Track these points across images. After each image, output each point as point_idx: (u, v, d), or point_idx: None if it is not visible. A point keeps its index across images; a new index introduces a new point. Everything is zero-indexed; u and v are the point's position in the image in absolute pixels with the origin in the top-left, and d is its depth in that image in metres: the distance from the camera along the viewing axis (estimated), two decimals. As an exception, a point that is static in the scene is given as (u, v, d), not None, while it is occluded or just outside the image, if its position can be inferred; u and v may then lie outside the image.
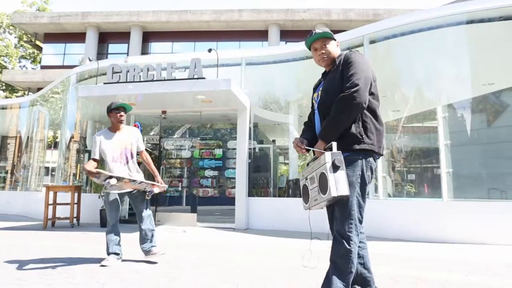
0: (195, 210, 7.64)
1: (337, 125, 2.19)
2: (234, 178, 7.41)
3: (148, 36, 22.04)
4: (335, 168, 2.04)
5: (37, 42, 24.34)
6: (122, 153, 3.91)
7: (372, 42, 6.78)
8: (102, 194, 6.41)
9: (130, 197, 3.97)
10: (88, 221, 7.65)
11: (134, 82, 6.70)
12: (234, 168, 7.44)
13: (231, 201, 7.34)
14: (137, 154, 4.10)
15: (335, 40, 2.43)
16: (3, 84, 26.40)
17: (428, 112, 7.44)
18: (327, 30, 2.41)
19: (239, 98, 6.87)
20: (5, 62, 27.73)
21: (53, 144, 11.33)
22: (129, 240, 4.89)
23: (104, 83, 6.89)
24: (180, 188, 8.09)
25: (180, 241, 5.52)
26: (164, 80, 6.63)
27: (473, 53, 6.57)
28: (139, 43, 21.55)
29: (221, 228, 6.97)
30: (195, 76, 6.45)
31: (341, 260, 2.11)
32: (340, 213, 2.16)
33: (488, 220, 5.24)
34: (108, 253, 3.81)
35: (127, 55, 19.89)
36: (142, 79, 6.74)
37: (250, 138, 7.53)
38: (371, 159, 2.24)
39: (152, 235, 3.95)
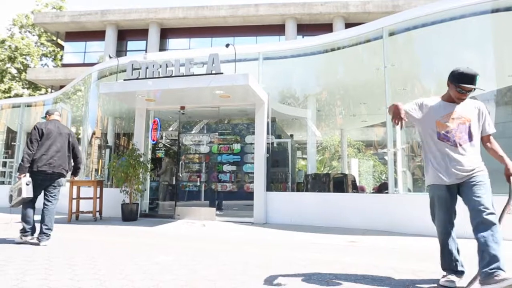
0: (213, 204, 7.72)
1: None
2: (252, 173, 7.44)
3: (166, 33, 22.25)
4: (27, 185, 4.44)
5: (59, 41, 24.94)
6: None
7: (391, 34, 6.63)
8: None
9: None
10: (110, 214, 7.83)
11: (153, 78, 6.80)
12: (252, 163, 7.47)
13: (249, 195, 7.37)
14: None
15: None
16: (27, 82, 27.22)
17: (450, 105, 7.25)
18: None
19: (257, 92, 6.87)
20: (27, 60, 28.57)
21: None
22: (150, 233, 4.97)
23: (124, 80, 7.02)
24: (198, 183, 8.18)
25: (200, 235, 5.60)
26: (183, 76, 6.70)
27: (498, 43, 6.35)
28: (157, 40, 21.79)
29: (239, 222, 7.02)
30: (213, 72, 6.48)
31: None
32: None
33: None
34: None
35: (146, 52, 20.14)
36: (161, 75, 6.83)
37: (268, 133, 7.53)
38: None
39: None
